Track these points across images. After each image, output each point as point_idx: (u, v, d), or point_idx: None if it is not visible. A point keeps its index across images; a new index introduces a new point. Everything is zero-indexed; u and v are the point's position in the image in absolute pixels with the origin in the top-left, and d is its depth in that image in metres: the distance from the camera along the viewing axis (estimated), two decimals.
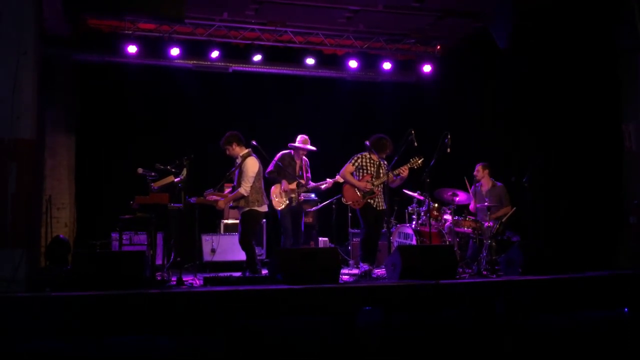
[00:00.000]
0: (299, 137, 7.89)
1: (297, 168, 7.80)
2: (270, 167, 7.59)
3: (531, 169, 7.77)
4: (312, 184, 7.89)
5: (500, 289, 5.90)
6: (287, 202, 7.62)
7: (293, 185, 7.64)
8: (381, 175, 7.30)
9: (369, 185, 7.23)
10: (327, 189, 8.00)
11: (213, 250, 8.50)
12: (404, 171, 7.31)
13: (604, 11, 7.71)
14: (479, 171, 8.30)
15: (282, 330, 5.02)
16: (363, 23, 9.49)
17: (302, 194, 7.83)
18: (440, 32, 9.84)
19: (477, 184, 8.37)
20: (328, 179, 7.81)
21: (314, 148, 7.93)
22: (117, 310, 4.91)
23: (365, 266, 7.17)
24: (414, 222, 8.27)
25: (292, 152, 7.83)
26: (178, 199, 6.81)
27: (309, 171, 8.00)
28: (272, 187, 7.66)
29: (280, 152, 7.79)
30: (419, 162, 7.34)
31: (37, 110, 5.86)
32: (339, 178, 7.60)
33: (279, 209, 7.61)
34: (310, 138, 7.99)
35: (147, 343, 4.79)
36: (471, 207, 8.33)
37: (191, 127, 9.81)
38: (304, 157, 7.93)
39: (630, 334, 5.51)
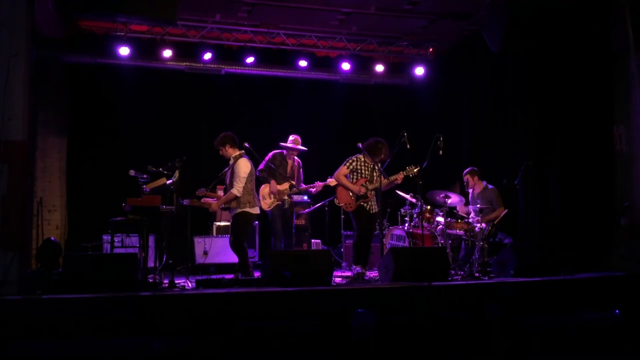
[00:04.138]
0: (290, 137, 7.86)
1: (289, 168, 7.78)
2: (261, 166, 7.57)
3: (523, 171, 7.79)
4: (303, 185, 7.86)
5: (493, 291, 5.91)
6: (278, 203, 7.59)
7: (283, 186, 7.61)
8: (375, 178, 7.29)
9: (363, 190, 7.22)
10: (318, 192, 7.95)
11: (205, 253, 8.48)
12: (400, 178, 7.30)
13: (598, 14, 7.75)
14: (469, 180, 8.31)
15: (274, 333, 5.01)
16: (356, 25, 9.51)
17: (294, 195, 7.80)
18: (432, 34, 9.88)
19: (468, 188, 8.39)
20: (317, 182, 7.75)
21: (304, 148, 7.89)
22: (108, 313, 4.89)
23: (357, 268, 7.17)
24: (406, 224, 8.27)
25: (284, 151, 7.81)
26: (170, 201, 6.79)
27: (302, 172, 7.98)
28: (261, 187, 7.64)
29: (272, 152, 7.77)
30: (415, 170, 7.32)
31: (29, 111, 5.83)
32: (330, 182, 7.57)
33: (267, 210, 7.59)
34: (303, 140, 7.97)
35: (139, 346, 4.77)
36: (460, 210, 8.33)
37: (183, 129, 9.80)
38: (296, 157, 7.91)
39: (622, 335, 5.53)
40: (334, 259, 7.31)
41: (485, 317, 5.41)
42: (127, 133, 9.53)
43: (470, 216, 8.07)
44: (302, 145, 7.90)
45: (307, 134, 8.45)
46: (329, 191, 7.93)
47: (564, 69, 8.20)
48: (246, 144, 7.12)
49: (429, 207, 8.19)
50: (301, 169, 7.98)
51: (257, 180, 7.35)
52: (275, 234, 7.64)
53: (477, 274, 6.98)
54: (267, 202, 7.59)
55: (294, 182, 7.66)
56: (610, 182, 7.79)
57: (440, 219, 8.07)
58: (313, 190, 7.77)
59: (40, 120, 8.83)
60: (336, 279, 7.03)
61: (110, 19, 8.74)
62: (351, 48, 10.07)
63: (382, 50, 10.25)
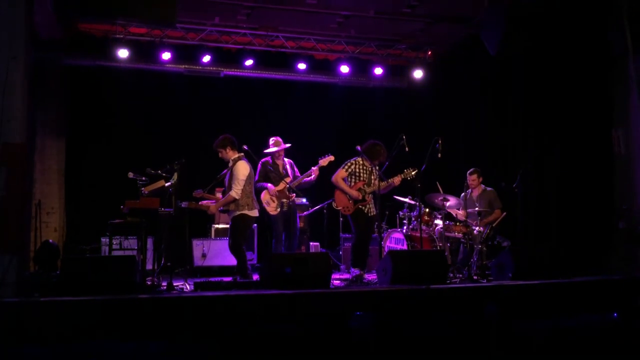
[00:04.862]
0: (270, 140, 7.82)
1: (281, 170, 7.77)
2: (256, 177, 7.53)
3: (521, 174, 7.79)
4: (299, 175, 7.84)
5: (491, 294, 5.91)
6: (280, 206, 7.59)
7: (280, 187, 7.59)
8: (373, 182, 7.30)
9: (361, 195, 7.22)
10: (316, 180, 7.87)
11: (204, 255, 8.48)
12: (397, 181, 7.31)
13: (597, 17, 7.77)
14: (475, 180, 8.25)
15: (273, 334, 5.01)
16: (354, 28, 9.52)
17: (294, 196, 7.75)
18: (431, 38, 9.89)
19: (467, 190, 8.37)
20: (313, 168, 7.74)
21: (286, 145, 7.81)
22: (106, 315, 4.89)
23: (356, 271, 7.17)
24: (405, 227, 8.27)
25: (270, 158, 7.79)
26: (169, 204, 6.80)
27: (296, 169, 7.96)
28: (262, 194, 7.63)
29: (260, 161, 7.71)
30: (413, 173, 7.33)
31: (27, 114, 5.84)
32: (322, 162, 7.61)
33: (274, 214, 7.58)
34: (302, 142, 7.98)
35: (138, 348, 4.76)
36: (459, 216, 8.29)
37: (182, 132, 9.79)
38: (284, 158, 7.90)
39: (621, 338, 5.54)
40: (332, 262, 7.30)
41: (484, 320, 5.41)
42: (126, 135, 9.52)
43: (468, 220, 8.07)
44: (302, 149, 7.87)
45: (306, 136, 8.45)
46: (328, 194, 7.93)
47: (563, 72, 8.22)
48: (245, 147, 7.12)
49: (427, 210, 8.19)
50: (295, 167, 7.96)
51: (257, 189, 7.33)
52: (276, 237, 7.63)
53: (475, 277, 6.98)
54: (272, 207, 7.59)
55: (288, 179, 7.62)
56: (609, 184, 7.80)
57: (438, 221, 8.07)
58: (311, 177, 7.74)
59: (39, 122, 8.82)
60: (335, 281, 7.03)
61: (110, 21, 8.74)
62: (350, 51, 10.08)
63: (381, 53, 10.26)
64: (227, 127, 8.01)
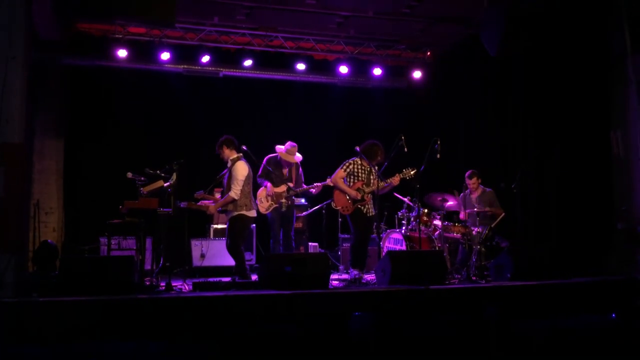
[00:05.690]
0: (287, 144, 7.82)
1: (285, 170, 7.77)
2: (260, 172, 7.57)
3: (520, 175, 7.79)
4: (304, 186, 7.85)
5: (489, 295, 5.91)
6: (276, 206, 7.59)
7: (280, 189, 7.59)
8: (372, 181, 7.30)
9: (360, 195, 7.22)
10: (318, 193, 7.97)
11: (202, 255, 8.47)
12: (396, 181, 7.30)
13: (596, 18, 7.78)
14: (475, 183, 8.20)
15: (272, 335, 5.01)
16: (354, 29, 9.52)
17: (293, 197, 7.77)
18: (430, 38, 9.89)
19: (466, 191, 8.35)
20: (316, 183, 7.77)
21: (297, 159, 7.81)
22: (105, 315, 4.88)
23: (355, 272, 7.17)
24: (403, 228, 8.26)
25: (279, 155, 7.80)
26: (167, 204, 6.79)
27: (302, 172, 7.95)
28: (258, 191, 7.64)
29: (268, 156, 7.75)
30: (412, 173, 7.32)
31: (26, 114, 5.83)
32: (329, 181, 7.60)
33: (264, 213, 7.59)
34: (301, 143, 7.95)
35: (136, 349, 4.76)
36: (461, 216, 8.27)
37: (181, 132, 9.79)
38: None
39: (619, 338, 5.54)
40: (331, 262, 7.31)
41: (483, 320, 5.42)
42: (125, 135, 9.51)
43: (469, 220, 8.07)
44: (302, 149, 7.86)
45: (305, 136, 8.42)
46: (327, 194, 7.93)
47: (563, 72, 8.23)
48: (244, 147, 7.12)
49: (426, 210, 8.19)
50: (300, 169, 7.97)
51: (256, 184, 7.34)
52: (274, 237, 7.63)
53: (474, 278, 6.98)
54: (264, 205, 7.59)
55: (291, 185, 7.64)
56: (608, 186, 7.81)
57: (437, 222, 8.06)
58: (313, 190, 7.79)
59: (38, 122, 8.81)
60: (333, 282, 7.02)
61: (109, 21, 8.74)
62: (349, 51, 10.08)
63: (380, 54, 10.26)
64: (227, 128, 8.01)
